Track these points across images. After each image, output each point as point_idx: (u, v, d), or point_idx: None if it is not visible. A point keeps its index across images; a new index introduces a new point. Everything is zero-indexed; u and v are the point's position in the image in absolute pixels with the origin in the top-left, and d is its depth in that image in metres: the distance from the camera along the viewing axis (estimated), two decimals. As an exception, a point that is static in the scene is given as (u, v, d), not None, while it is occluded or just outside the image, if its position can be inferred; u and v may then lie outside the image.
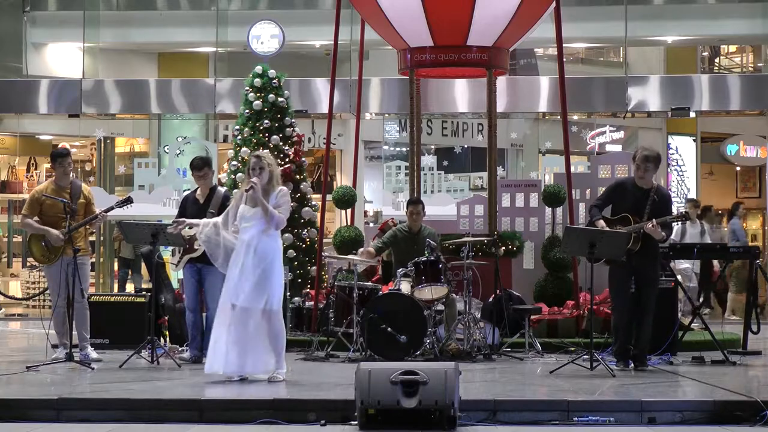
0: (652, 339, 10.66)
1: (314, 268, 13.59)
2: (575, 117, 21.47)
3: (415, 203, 12.70)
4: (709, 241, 17.10)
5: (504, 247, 13.24)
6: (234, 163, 14.01)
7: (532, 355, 11.53)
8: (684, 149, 24.95)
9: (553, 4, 13.53)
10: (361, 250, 13.11)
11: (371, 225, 19.07)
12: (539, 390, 9.39)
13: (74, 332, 10.84)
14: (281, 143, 13.99)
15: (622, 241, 10.12)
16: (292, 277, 13.28)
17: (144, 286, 17.38)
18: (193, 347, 11.08)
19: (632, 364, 10.44)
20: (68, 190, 11.02)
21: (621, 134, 24.00)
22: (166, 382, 9.52)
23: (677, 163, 24.85)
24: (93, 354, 11.03)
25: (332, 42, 13.85)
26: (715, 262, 16.59)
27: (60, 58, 21.75)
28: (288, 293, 12.56)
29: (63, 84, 20.37)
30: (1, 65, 21.29)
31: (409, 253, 11.87)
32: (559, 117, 15.49)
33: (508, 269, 13.24)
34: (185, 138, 20.71)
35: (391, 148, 23.13)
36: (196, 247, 10.73)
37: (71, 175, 11.23)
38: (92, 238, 17.31)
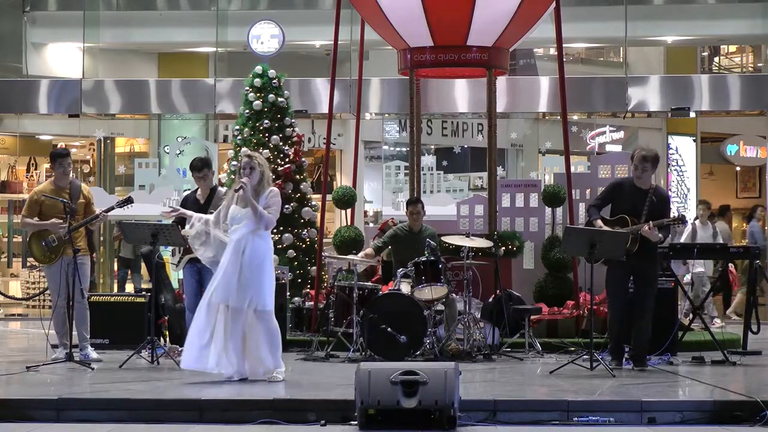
0: (652, 339, 10.65)
1: (314, 268, 13.59)
2: (575, 117, 21.45)
3: (414, 203, 12.71)
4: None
5: (504, 247, 13.24)
6: (234, 163, 13.98)
7: (532, 356, 11.52)
8: (684, 149, 24.91)
9: (553, 4, 13.53)
10: (362, 253, 13.11)
11: (371, 225, 19.09)
12: (539, 390, 9.39)
13: (74, 332, 10.84)
14: (281, 143, 14.00)
15: (622, 242, 10.11)
16: (292, 277, 13.28)
17: (144, 286, 17.36)
18: (193, 347, 11.04)
19: (630, 364, 10.43)
20: (67, 191, 11.01)
21: (621, 134, 23.96)
22: (166, 382, 9.50)
23: (677, 163, 24.82)
24: (93, 354, 11.02)
25: (332, 42, 13.85)
26: (732, 267, 16.52)
27: (60, 58, 21.74)
28: (288, 293, 12.57)
29: (63, 84, 20.35)
30: (1, 65, 21.27)
31: (409, 253, 11.85)
32: (559, 117, 15.50)
33: (508, 269, 13.25)
34: (185, 138, 20.72)
35: (391, 148, 23.11)
36: (196, 247, 10.72)
37: (71, 176, 11.23)
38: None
